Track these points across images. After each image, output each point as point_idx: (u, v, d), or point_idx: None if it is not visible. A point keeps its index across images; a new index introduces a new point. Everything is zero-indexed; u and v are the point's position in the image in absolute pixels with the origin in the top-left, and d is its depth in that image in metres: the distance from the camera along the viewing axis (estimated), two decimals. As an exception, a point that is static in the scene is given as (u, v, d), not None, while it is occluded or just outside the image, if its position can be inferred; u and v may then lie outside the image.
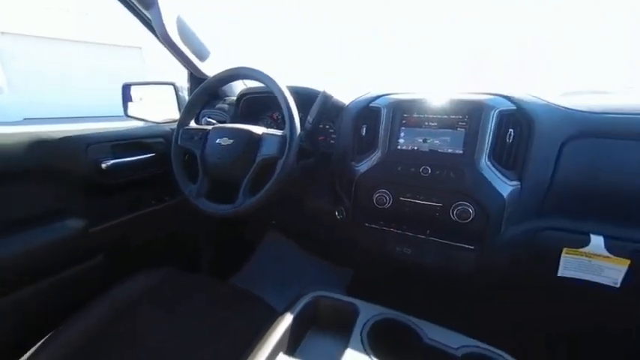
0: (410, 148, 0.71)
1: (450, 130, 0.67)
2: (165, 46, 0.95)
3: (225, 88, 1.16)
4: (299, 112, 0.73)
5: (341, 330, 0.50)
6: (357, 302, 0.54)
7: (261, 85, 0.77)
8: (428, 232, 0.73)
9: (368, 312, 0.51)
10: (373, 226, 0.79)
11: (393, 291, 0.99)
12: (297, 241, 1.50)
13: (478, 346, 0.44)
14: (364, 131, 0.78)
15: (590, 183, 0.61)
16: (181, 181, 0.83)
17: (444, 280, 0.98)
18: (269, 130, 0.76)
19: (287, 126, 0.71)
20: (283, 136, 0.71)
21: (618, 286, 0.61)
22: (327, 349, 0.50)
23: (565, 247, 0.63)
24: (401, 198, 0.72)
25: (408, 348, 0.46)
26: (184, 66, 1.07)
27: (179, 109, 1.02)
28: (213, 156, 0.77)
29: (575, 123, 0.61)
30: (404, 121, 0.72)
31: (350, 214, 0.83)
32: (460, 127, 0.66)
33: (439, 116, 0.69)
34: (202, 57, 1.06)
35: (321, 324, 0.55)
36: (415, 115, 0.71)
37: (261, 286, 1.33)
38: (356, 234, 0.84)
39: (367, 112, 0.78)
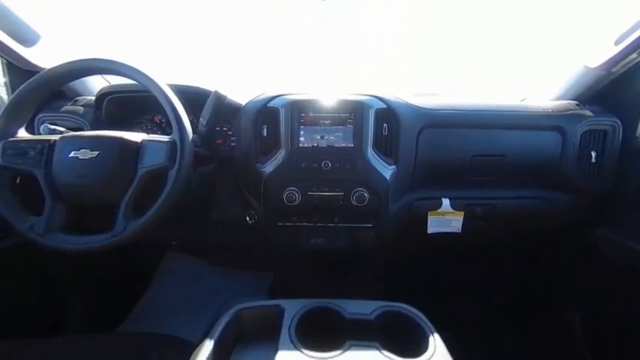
0: (310, 145, 0.77)
1: (342, 127, 0.78)
2: None
3: (75, 85, 0.90)
4: (188, 114, 0.66)
5: (270, 335, 0.50)
6: (281, 302, 0.54)
7: (130, 82, 0.65)
8: (336, 219, 0.82)
9: (292, 308, 0.52)
10: (286, 224, 0.82)
11: (314, 281, 1.04)
12: (206, 257, 1.36)
13: (387, 306, 0.52)
14: (265, 132, 0.78)
15: (436, 160, 0.83)
16: (12, 215, 0.61)
17: (353, 259, 1.11)
18: (151, 136, 0.65)
19: (175, 130, 0.62)
20: (172, 142, 0.62)
21: (460, 231, 0.86)
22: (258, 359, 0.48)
23: (429, 210, 0.85)
24: (309, 192, 0.78)
25: (334, 329, 0.51)
26: None
27: None
28: (70, 174, 0.60)
29: (425, 117, 0.82)
30: (302, 120, 0.78)
31: (261, 216, 0.83)
32: (349, 124, 0.77)
33: (331, 114, 0.78)
34: (26, 41, 0.80)
35: (248, 337, 0.52)
36: (311, 114, 0.78)
37: (168, 322, 1.15)
38: (270, 235, 0.85)
39: (266, 112, 0.79)
